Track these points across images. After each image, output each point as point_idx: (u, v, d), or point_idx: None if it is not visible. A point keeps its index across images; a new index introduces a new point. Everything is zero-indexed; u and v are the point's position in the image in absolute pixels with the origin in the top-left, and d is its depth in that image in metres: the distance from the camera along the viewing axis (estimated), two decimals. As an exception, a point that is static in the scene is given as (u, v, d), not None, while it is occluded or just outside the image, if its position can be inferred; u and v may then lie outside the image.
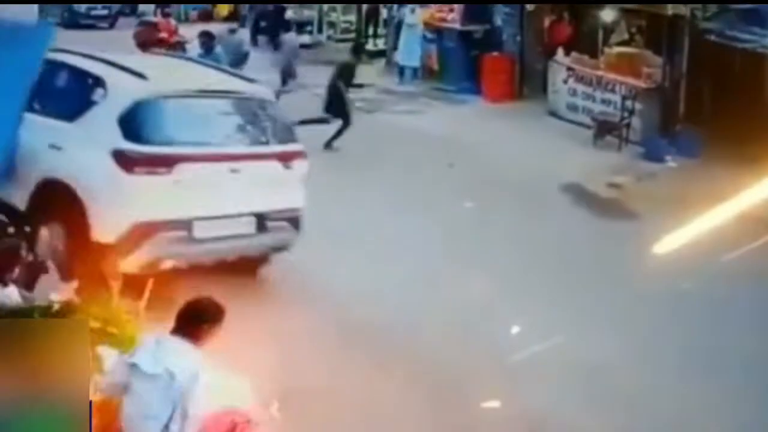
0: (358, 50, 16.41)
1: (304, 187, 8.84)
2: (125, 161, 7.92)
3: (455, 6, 20.70)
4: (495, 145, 15.35)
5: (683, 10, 15.22)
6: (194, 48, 15.23)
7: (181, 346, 4.95)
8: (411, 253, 10.57)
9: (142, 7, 28.00)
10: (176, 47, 22.56)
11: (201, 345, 4.99)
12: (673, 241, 6.94)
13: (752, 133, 13.15)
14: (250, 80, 9.41)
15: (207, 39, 14.90)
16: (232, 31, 17.39)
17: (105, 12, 27.43)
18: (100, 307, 5.92)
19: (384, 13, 24.01)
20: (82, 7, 27.00)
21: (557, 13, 18.54)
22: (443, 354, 8.18)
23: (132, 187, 7.90)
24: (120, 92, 8.21)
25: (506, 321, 8.34)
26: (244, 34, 20.11)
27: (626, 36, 17.43)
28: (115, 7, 27.99)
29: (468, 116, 17.48)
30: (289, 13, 24.99)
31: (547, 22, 18.60)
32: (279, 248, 8.83)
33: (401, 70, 20.38)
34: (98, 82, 8.39)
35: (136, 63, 8.80)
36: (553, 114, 17.37)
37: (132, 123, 8.06)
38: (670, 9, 15.36)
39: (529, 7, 18.91)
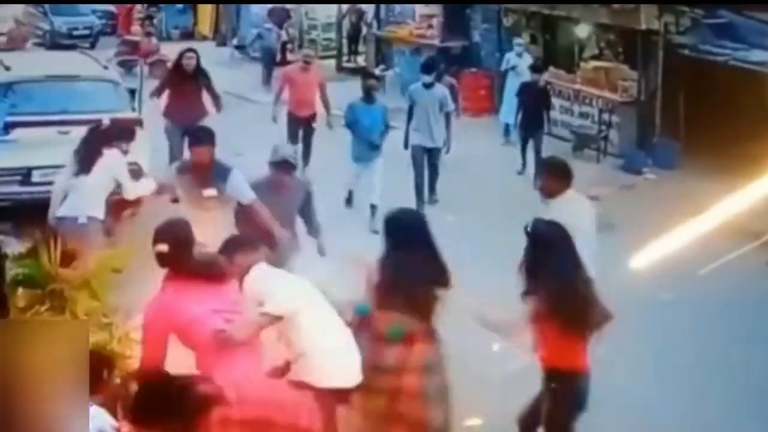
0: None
1: (146, 144, 11.03)
2: None
3: (434, 22, 20.91)
4: (476, 159, 15.51)
5: (656, 24, 15.49)
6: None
7: None
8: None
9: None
10: (158, 66, 22.72)
11: None
12: (652, 251, 7.12)
13: (727, 143, 13.43)
14: (105, 67, 12.64)
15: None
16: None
17: (86, 32, 27.70)
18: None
19: (364, 29, 24.21)
20: (63, 27, 27.24)
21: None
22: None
23: None
24: None
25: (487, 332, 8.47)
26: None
27: (596, 51, 17.61)
28: (96, 26, 28.19)
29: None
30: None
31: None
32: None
33: (506, 128, 16.97)
34: None
35: (9, 58, 12.26)
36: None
37: None
38: (643, 23, 15.62)
39: (506, 22, 19.15)
